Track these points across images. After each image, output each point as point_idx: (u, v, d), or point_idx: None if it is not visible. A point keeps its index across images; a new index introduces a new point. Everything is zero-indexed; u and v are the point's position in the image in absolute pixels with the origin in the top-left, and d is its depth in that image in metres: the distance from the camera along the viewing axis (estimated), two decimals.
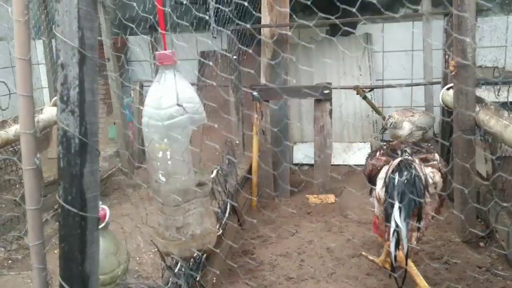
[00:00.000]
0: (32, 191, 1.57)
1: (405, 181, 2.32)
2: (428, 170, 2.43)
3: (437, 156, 2.53)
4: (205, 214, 1.95)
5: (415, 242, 2.50)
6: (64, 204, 1.43)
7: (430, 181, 2.40)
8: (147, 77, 5.46)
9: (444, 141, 3.77)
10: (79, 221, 1.45)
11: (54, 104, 3.68)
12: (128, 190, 4.43)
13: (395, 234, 2.29)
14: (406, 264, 2.39)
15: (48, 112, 3.61)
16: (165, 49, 1.82)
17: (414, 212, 2.35)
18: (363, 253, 3.00)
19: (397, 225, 2.28)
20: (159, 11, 1.76)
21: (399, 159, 2.46)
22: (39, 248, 1.60)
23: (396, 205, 2.30)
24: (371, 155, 2.76)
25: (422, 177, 2.36)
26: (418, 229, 2.45)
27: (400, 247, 2.32)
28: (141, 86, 5.16)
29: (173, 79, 1.75)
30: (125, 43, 5.54)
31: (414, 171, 2.36)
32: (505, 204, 2.73)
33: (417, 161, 2.43)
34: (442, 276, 2.72)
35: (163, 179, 1.85)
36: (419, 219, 2.41)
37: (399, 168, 2.40)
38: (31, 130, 1.54)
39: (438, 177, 2.45)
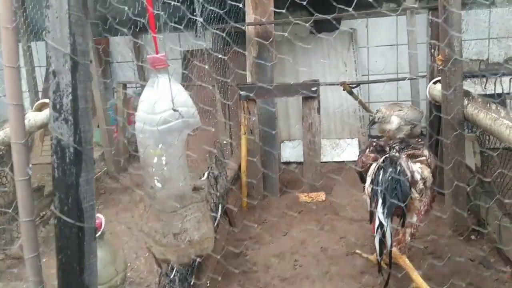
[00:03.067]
0: (25, 202, 1.52)
1: (390, 178, 2.33)
2: (417, 166, 2.44)
3: (426, 152, 2.54)
4: (202, 219, 1.92)
5: (409, 238, 2.52)
6: (61, 215, 1.39)
7: (419, 176, 2.40)
8: (130, 79, 5.39)
9: (432, 135, 3.79)
10: (76, 232, 1.41)
11: (36, 109, 3.59)
12: (115, 194, 4.36)
13: (379, 231, 2.32)
14: (390, 261, 2.40)
15: (31, 117, 3.53)
16: (157, 53, 1.78)
17: (399, 209, 2.37)
18: (357, 251, 3.00)
19: (381, 222, 2.30)
20: (150, 13, 1.72)
21: (383, 158, 2.47)
22: (34, 260, 1.55)
23: (380, 202, 2.32)
24: (361, 152, 2.77)
25: (408, 174, 2.37)
26: (402, 225, 2.47)
27: (385, 243, 2.33)
28: (125, 88, 5.09)
29: (166, 83, 1.71)
30: (107, 44, 5.47)
31: (399, 167, 2.36)
32: (507, 201, 2.75)
33: (403, 157, 2.43)
34: (436, 271, 2.73)
35: (159, 185, 1.81)
36: (403, 216, 2.43)
37: (384, 165, 2.41)
38: (22, 139, 1.49)
39: (427, 172, 2.46)
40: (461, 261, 2.82)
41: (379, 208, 2.31)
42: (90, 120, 1.44)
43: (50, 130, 1.38)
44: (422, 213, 2.49)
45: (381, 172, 2.38)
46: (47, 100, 3.75)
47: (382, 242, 2.33)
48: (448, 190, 3.16)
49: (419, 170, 2.43)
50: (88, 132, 1.44)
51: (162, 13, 1.67)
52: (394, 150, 2.52)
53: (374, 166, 2.50)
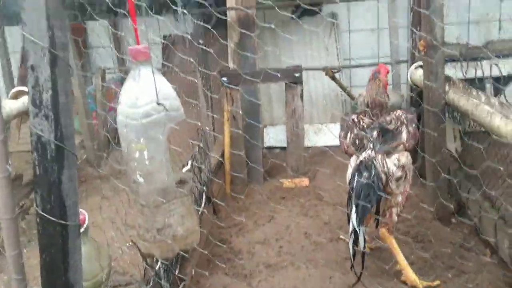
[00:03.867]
0: (5, 200, 1.48)
1: (364, 183, 2.36)
2: (393, 159, 2.44)
3: (404, 136, 2.49)
4: (186, 213, 1.90)
5: (396, 218, 2.54)
6: (43, 214, 1.36)
7: (395, 169, 2.42)
8: (108, 64, 5.28)
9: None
10: (60, 230, 1.38)
11: (12, 97, 3.50)
12: (96, 183, 4.30)
13: (353, 234, 2.37)
14: (363, 263, 2.44)
15: (7, 105, 3.43)
16: (138, 44, 1.73)
17: (373, 210, 2.49)
18: (341, 236, 3.02)
19: (354, 228, 2.36)
20: (130, 2, 1.67)
21: (360, 158, 2.45)
22: (16, 258, 1.51)
23: (353, 209, 2.36)
24: (343, 129, 2.68)
25: (383, 177, 2.40)
26: (376, 226, 2.59)
27: (358, 245, 2.39)
28: (104, 74, 5.00)
29: (148, 75, 1.67)
30: (83, 28, 5.33)
31: (373, 171, 2.38)
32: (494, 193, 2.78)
33: (379, 157, 2.43)
34: (418, 255, 2.77)
35: (141, 179, 1.78)
36: (377, 213, 2.57)
37: (359, 169, 2.42)
38: (1, 136, 1.44)
39: (404, 159, 2.47)
40: (442, 245, 2.86)
41: (353, 215, 2.36)
42: (71, 114, 1.40)
43: (30, 127, 1.34)
44: (408, 189, 2.53)
45: (356, 176, 2.40)
46: (23, 88, 3.66)
47: (356, 244, 2.38)
48: (429, 174, 3.20)
49: (396, 162, 2.44)
50: (69, 127, 1.40)
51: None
52: (372, 145, 2.48)
53: (351, 167, 2.51)
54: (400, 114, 2.58)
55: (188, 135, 3.25)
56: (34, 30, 1.29)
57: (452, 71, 3.80)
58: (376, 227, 2.68)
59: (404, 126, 2.52)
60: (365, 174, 2.38)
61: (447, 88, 3.04)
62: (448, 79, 3.10)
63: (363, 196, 2.34)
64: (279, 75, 3.57)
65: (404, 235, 3.00)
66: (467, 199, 3.09)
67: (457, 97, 2.96)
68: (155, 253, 1.92)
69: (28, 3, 1.28)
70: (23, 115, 3.54)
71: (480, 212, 2.89)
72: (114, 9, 1.78)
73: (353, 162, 2.53)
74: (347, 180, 2.51)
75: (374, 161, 2.41)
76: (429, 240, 2.94)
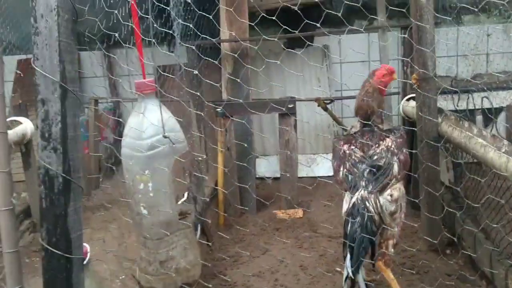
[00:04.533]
0: (9, 233, 1.46)
1: (359, 230, 2.31)
2: (386, 195, 2.42)
3: (395, 168, 2.46)
4: (189, 246, 1.89)
5: (392, 250, 2.51)
6: (48, 247, 1.35)
7: (388, 204, 2.40)
8: (101, 94, 5.29)
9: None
10: (64, 264, 1.37)
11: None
12: (88, 212, 4.25)
13: (348, 281, 2.34)
14: None
15: None
16: (144, 78, 1.75)
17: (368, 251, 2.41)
18: (338, 268, 3.01)
19: (349, 275, 2.31)
20: (137, 36, 1.69)
21: (353, 199, 2.40)
22: None
23: (348, 257, 2.32)
24: (336, 159, 2.63)
25: (376, 218, 2.36)
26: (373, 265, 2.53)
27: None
28: (96, 104, 5.00)
29: (154, 109, 1.69)
30: (78, 59, 5.35)
31: (367, 215, 2.34)
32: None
33: (372, 198, 2.38)
34: (415, 287, 2.76)
35: (145, 211, 1.77)
36: (373, 254, 2.49)
37: (352, 213, 2.38)
38: (6, 168, 1.44)
39: (397, 193, 2.45)
40: (439, 276, 2.86)
41: (347, 262, 2.32)
42: (78, 147, 1.41)
43: (38, 159, 1.34)
44: (403, 217, 2.50)
45: (350, 221, 2.36)
46: (18, 118, 3.65)
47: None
48: (424, 206, 3.22)
49: (388, 198, 2.41)
50: (77, 160, 1.40)
51: (151, 18, 1.64)
52: (364, 183, 2.43)
53: (346, 203, 2.47)
54: (390, 145, 2.53)
55: (181, 164, 3.25)
56: (46, 64, 1.31)
57: (444, 103, 3.87)
58: (373, 264, 2.63)
59: (395, 156, 2.49)
60: (359, 219, 2.34)
61: (439, 120, 3.08)
62: (440, 111, 3.15)
63: (357, 244, 2.30)
64: (282, 109, 3.60)
65: (401, 266, 3.00)
66: (461, 230, 3.11)
67: (450, 129, 3.01)
68: (157, 286, 1.89)
69: (41, 38, 1.31)
70: (15, 145, 3.52)
71: (475, 243, 2.91)
72: (122, 43, 1.80)
73: (347, 198, 2.49)
74: (343, 217, 2.48)
75: (367, 202, 2.37)
76: (425, 272, 2.93)
